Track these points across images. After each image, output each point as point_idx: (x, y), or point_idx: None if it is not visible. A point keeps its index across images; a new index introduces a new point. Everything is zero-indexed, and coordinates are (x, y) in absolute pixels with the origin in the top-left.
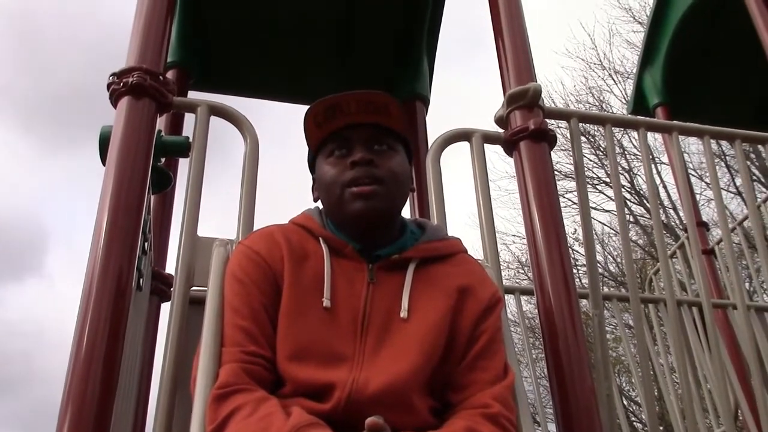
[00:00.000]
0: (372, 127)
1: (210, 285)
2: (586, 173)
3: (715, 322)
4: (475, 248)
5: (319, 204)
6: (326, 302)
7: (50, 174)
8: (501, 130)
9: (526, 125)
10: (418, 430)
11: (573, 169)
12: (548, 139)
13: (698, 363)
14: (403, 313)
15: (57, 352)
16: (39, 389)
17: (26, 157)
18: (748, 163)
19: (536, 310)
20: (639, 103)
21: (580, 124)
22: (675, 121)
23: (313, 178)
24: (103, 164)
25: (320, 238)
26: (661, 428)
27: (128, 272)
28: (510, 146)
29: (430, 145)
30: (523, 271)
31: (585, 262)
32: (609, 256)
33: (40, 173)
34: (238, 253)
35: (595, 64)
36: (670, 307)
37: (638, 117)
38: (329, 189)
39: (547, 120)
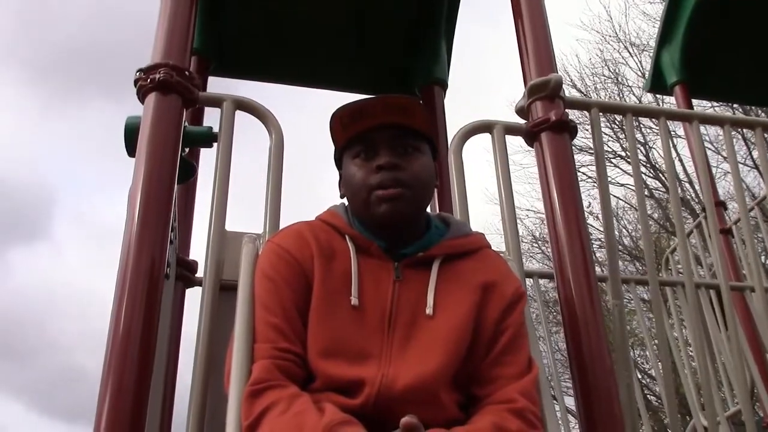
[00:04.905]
0: (397, 129)
1: (240, 281)
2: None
3: (734, 304)
4: (489, 223)
5: (345, 200)
6: (354, 301)
7: (57, 133)
8: (522, 121)
9: (548, 116)
10: (445, 424)
11: (587, 142)
12: (569, 130)
13: (715, 344)
14: (429, 311)
15: (70, 320)
16: (52, 357)
17: (33, 116)
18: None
19: (550, 283)
20: (657, 81)
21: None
22: (695, 110)
23: (340, 174)
24: (129, 155)
25: (347, 237)
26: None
27: (160, 263)
28: (531, 137)
29: (450, 138)
30: (536, 245)
31: (600, 237)
32: (624, 230)
33: (46, 132)
34: (268, 251)
35: (610, 36)
36: (690, 294)
37: (658, 106)
38: (356, 191)
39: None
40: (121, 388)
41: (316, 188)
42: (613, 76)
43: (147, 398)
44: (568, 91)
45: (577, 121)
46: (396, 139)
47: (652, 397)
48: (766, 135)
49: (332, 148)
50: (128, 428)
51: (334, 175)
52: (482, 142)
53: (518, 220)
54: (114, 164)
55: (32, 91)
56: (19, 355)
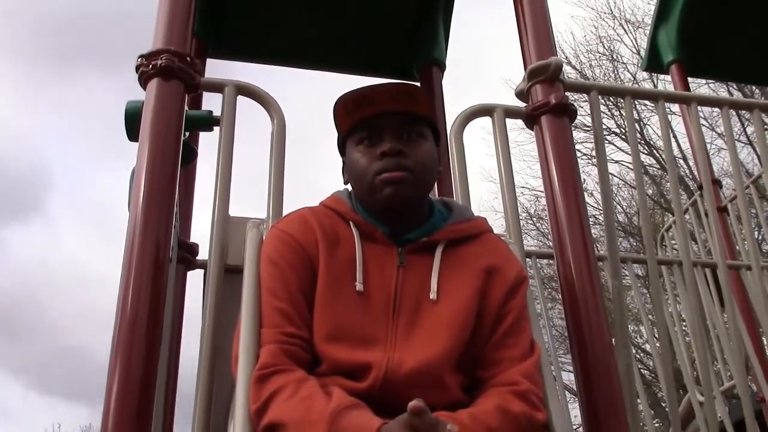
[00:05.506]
0: (400, 115)
1: (246, 267)
2: None
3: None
4: (485, 201)
5: (349, 186)
6: (359, 286)
7: (51, 110)
8: (522, 104)
9: (547, 100)
10: (450, 406)
11: (582, 120)
12: (569, 113)
13: (710, 320)
14: (433, 295)
15: (67, 298)
16: (50, 336)
17: (27, 94)
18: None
19: (545, 260)
20: (653, 59)
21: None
22: (693, 92)
23: (343, 161)
24: (129, 139)
25: (351, 223)
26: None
27: (165, 247)
28: (531, 120)
29: (450, 120)
30: (531, 222)
31: (595, 214)
32: (618, 206)
33: (41, 110)
34: (272, 236)
35: (605, 13)
36: (688, 275)
37: (657, 89)
38: (359, 177)
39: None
40: (129, 374)
41: (314, 167)
42: (608, 53)
43: (155, 381)
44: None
45: (573, 98)
46: (400, 125)
47: (645, 372)
48: (763, 116)
49: (330, 128)
50: (136, 413)
51: (324, 151)
52: (479, 120)
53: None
54: (109, 141)
55: (27, 69)
56: (17, 334)
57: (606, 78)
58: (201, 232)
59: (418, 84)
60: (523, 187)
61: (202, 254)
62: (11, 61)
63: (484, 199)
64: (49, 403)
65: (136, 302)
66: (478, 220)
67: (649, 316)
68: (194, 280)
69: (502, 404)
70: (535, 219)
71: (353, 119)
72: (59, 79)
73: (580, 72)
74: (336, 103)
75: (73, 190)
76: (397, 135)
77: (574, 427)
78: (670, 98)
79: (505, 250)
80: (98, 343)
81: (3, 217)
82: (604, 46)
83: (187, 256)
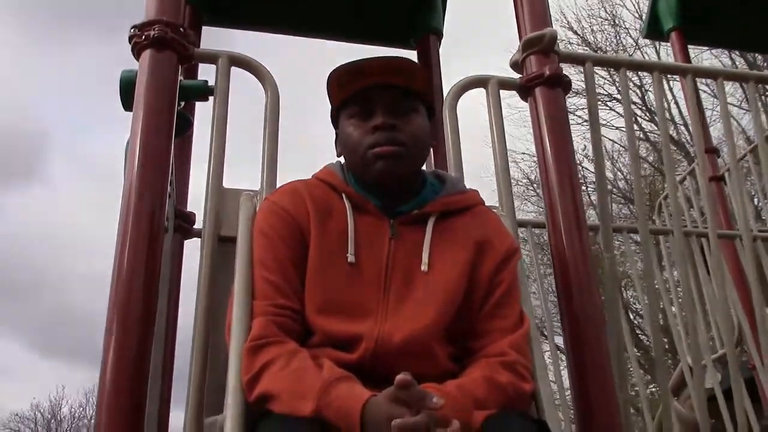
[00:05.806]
0: (394, 89)
1: (239, 239)
2: (597, 90)
3: (723, 250)
4: (485, 167)
5: (341, 159)
6: (351, 258)
7: (48, 72)
8: (516, 75)
9: (542, 71)
10: (439, 375)
11: (583, 85)
12: (563, 84)
13: (705, 290)
14: (424, 267)
15: (68, 259)
16: (50, 297)
17: (24, 56)
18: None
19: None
20: (653, 27)
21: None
22: (690, 64)
23: (336, 133)
24: (125, 109)
25: (343, 195)
26: (664, 339)
27: (160, 216)
28: (525, 92)
29: (446, 93)
30: (531, 188)
31: (593, 180)
32: (618, 173)
33: (37, 72)
34: (265, 209)
35: None
36: (681, 245)
37: (652, 60)
38: (352, 151)
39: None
40: (125, 341)
41: (307, 134)
42: (609, 18)
43: (150, 348)
44: (565, 33)
45: (572, 66)
46: (393, 99)
47: (643, 337)
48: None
49: (325, 99)
50: (131, 381)
51: (319, 121)
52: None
53: (514, 164)
54: (105, 103)
55: (25, 32)
56: (17, 296)
57: (608, 43)
58: (198, 201)
59: (415, 53)
60: (523, 153)
61: (200, 223)
62: (9, 25)
63: (485, 166)
64: (50, 365)
65: (131, 273)
66: (470, 193)
67: (644, 284)
68: (192, 248)
69: (489, 375)
70: (535, 185)
71: (346, 92)
72: (58, 43)
73: (582, 37)
74: (330, 75)
75: (72, 154)
76: (390, 109)
77: (569, 393)
78: (666, 70)
79: (496, 223)
80: (99, 306)
81: (2, 181)
82: (606, 11)
83: (184, 224)
